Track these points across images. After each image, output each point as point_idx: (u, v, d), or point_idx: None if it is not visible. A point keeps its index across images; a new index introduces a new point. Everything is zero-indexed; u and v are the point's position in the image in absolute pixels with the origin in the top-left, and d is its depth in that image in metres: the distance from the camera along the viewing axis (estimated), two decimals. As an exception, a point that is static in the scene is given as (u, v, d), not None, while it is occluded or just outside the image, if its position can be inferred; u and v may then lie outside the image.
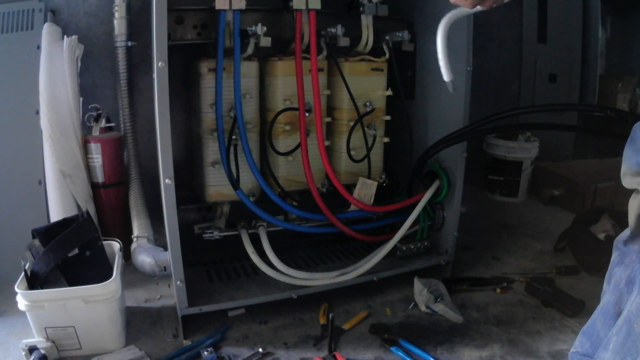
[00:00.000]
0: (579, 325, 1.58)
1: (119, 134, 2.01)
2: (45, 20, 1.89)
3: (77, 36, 1.83)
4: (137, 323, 1.60)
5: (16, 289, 1.32)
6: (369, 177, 1.81)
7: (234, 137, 1.61)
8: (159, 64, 1.29)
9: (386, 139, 1.86)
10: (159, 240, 1.82)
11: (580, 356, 1.12)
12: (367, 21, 1.72)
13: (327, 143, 1.73)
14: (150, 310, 1.68)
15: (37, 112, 1.78)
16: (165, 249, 1.58)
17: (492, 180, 2.84)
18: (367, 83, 1.78)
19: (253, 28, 1.54)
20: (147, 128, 2.11)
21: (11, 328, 1.54)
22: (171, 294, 1.69)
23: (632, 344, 0.92)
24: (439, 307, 1.64)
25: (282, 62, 1.67)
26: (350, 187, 1.78)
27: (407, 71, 1.93)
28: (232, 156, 1.62)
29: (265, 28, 1.54)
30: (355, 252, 1.91)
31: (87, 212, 1.56)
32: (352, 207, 1.75)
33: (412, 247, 1.83)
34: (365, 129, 1.78)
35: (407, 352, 1.42)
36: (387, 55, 1.80)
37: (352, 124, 1.76)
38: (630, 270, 1.02)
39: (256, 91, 1.68)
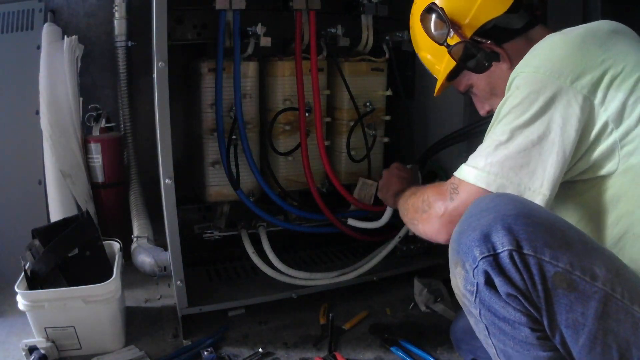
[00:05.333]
0: (579, 325, 1.58)
1: (119, 134, 2.01)
2: (45, 20, 1.89)
3: (77, 36, 1.83)
4: (137, 323, 1.60)
5: (16, 289, 1.32)
6: (369, 177, 1.81)
7: (234, 137, 1.61)
8: (159, 64, 1.29)
9: (386, 139, 1.86)
10: (159, 240, 1.82)
11: None
12: (367, 21, 1.72)
13: (327, 143, 1.73)
14: (150, 310, 1.68)
15: (37, 112, 1.78)
16: (165, 249, 1.58)
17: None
18: (367, 83, 1.78)
19: (253, 28, 1.54)
20: (147, 128, 2.11)
21: (11, 328, 1.54)
22: (171, 294, 1.69)
23: None
24: (439, 307, 1.64)
25: (282, 62, 1.67)
26: (350, 187, 1.78)
27: (407, 71, 1.93)
28: (232, 156, 1.62)
29: (265, 28, 1.54)
30: (355, 252, 1.91)
31: (87, 212, 1.56)
32: (352, 207, 1.75)
33: (412, 247, 1.83)
34: (365, 129, 1.78)
35: (407, 352, 1.42)
36: (387, 55, 1.79)
37: (352, 124, 1.76)
38: None
39: (256, 91, 1.68)
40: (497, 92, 1.12)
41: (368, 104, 1.78)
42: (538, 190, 0.90)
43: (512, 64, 1.05)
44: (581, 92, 0.88)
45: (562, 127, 0.89)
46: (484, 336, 0.88)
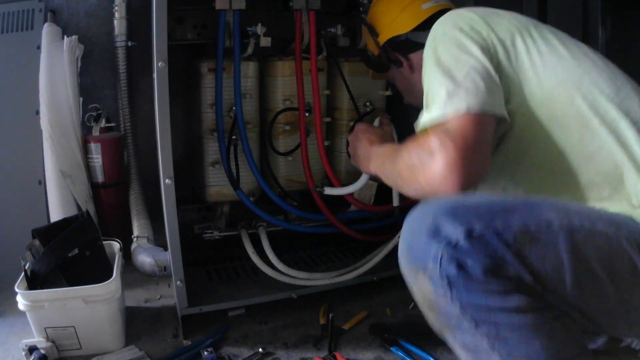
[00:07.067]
0: (579, 325, 1.58)
1: (119, 134, 2.01)
2: (45, 20, 1.89)
3: (77, 36, 1.83)
4: (137, 323, 1.60)
5: (16, 289, 1.32)
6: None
7: (234, 137, 1.61)
8: (159, 64, 1.29)
9: (386, 139, 1.86)
10: (159, 240, 1.82)
11: None
12: (367, 21, 1.72)
13: (327, 143, 1.73)
14: (150, 310, 1.68)
15: (37, 112, 1.78)
16: (165, 249, 1.58)
17: (492, 180, 2.83)
18: (367, 83, 1.78)
19: (253, 28, 1.54)
20: (147, 128, 2.11)
21: (11, 328, 1.54)
22: (171, 294, 1.69)
23: None
24: (439, 307, 1.63)
25: (282, 62, 1.67)
26: (350, 187, 1.78)
27: (407, 71, 1.93)
28: (232, 156, 1.62)
29: (265, 28, 1.54)
30: (355, 252, 1.91)
31: (87, 212, 1.56)
32: (352, 207, 1.75)
33: (412, 247, 1.83)
34: (365, 129, 1.78)
35: (407, 352, 1.42)
36: (387, 55, 1.79)
37: (352, 124, 1.76)
38: None
39: (256, 91, 1.68)
40: (405, 91, 1.42)
41: (368, 104, 1.78)
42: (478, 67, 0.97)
43: (416, 72, 1.27)
44: (487, 41, 1.02)
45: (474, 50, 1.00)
46: (472, 333, 0.82)
